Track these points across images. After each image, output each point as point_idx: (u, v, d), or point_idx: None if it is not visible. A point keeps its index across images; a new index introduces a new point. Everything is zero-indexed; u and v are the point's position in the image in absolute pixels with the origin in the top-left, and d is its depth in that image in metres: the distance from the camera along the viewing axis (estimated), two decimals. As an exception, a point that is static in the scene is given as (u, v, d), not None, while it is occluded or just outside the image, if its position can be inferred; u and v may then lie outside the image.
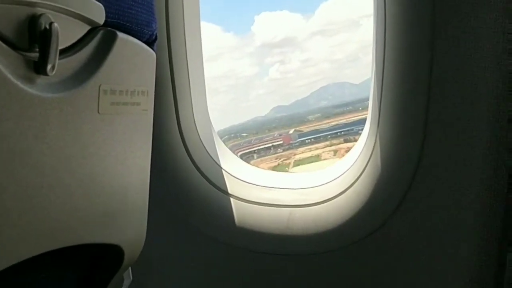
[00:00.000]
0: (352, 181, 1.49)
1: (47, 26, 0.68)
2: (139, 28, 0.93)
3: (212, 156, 1.61)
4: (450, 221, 1.39)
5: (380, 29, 1.38)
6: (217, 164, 1.61)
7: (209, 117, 1.68)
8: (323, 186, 1.57)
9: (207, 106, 1.67)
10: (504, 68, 1.26)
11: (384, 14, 1.34)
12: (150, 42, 1.00)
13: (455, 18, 1.26)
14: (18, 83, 0.64)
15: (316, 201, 1.52)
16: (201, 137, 1.59)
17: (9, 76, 0.62)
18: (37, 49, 0.67)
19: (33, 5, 0.67)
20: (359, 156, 1.52)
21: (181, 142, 1.53)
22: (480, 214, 1.36)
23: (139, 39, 0.94)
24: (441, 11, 1.25)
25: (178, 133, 1.52)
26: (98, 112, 0.82)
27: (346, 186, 1.50)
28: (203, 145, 1.60)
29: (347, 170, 1.55)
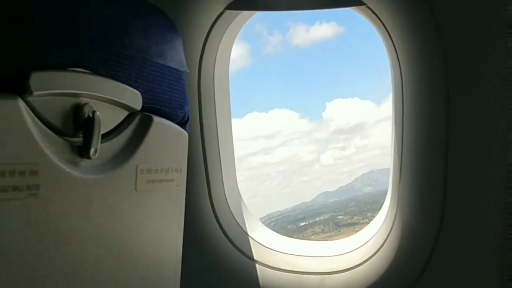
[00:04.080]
0: (375, 250, 1.51)
1: (90, 115, 0.75)
2: (172, 111, 1.00)
3: (241, 226, 1.64)
4: None
5: (398, 106, 1.44)
6: (246, 232, 1.64)
7: (238, 190, 1.74)
8: (347, 254, 1.58)
9: (236, 181, 1.72)
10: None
11: (402, 93, 1.41)
12: (183, 123, 1.07)
13: (469, 99, 1.31)
14: (64, 167, 0.70)
15: (342, 269, 1.53)
16: (231, 209, 1.63)
17: (56, 161, 0.69)
18: (81, 135, 0.74)
19: (77, 96, 0.75)
20: (381, 226, 1.55)
21: (213, 214, 1.57)
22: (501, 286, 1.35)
23: (172, 121, 1.01)
24: (454, 89, 1.31)
25: (210, 206, 1.57)
26: (136, 190, 0.87)
27: (370, 255, 1.52)
28: (233, 216, 1.64)
29: (370, 239, 1.57)
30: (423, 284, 1.42)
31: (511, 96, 1.29)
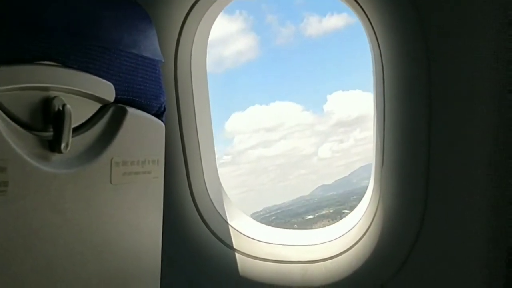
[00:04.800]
0: (358, 238, 1.52)
1: (60, 108, 0.74)
2: (148, 102, 0.99)
3: (222, 215, 1.64)
4: (455, 278, 1.41)
5: (380, 103, 1.45)
6: (226, 221, 1.64)
7: (219, 179, 1.74)
8: (330, 243, 1.59)
9: (216, 169, 1.72)
10: (501, 145, 1.31)
11: (383, 84, 1.41)
12: (159, 114, 1.06)
13: (451, 91, 1.32)
14: (34, 162, 0.69)
15: (324, 258, 1.54)
16: (211, 198, 1.63)
17: (25, 156, 0.68)
18: (52, 129, 0.73)
19: (47, 89, 0.74)
20: (364, 214, 1.56)
21: (193, 204, 1.57)
22: (484, 273, 1.38)
23: (148, 111, 1.00)
24: (437, 82, 1.32)
25: (189, 195, 1.56)
26: (111, 183, 0.86)
27: (352, 243, 1.53)
28: (214, 205, 1.63)
29: (353, 227, 1.58)
30: (406, 272, 1.43)
31: (493, 91, 1.30)
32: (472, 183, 1.35)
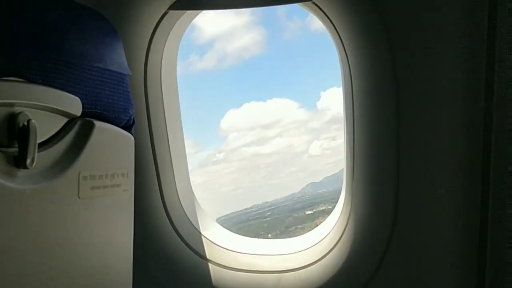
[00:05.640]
0: (331, 247, 1.53)
1: (25, 123, 0.74)
2: (116, 115, 0.99)
3: (194, 225, 1.64)
4: (427, 285, 1.43)
5: (349, 102, 1.47)
6: (199, 231, 1.64)
7: (191, 189, 1.74)
8: (303, 252, 1.60)
9: (189, 179, 1.73)
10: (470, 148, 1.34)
11: (351, 92, 1.43)
12: (128, 127, 1.06)
13: (418, 96, 1.34)
14: None
15: (298, 267, 1.55)
16: (184, 209, 1.63)
17: None
18: (16, 145, 0.73)
19: (11, 105, 0.74)
20: (336, 223, 1.57)
21: (165, 215, 1.56)
22: (456, 278, 1.40)
23: (116, 125, 1.00)
24: (404, 87, 1.34)
25: (162, 207, 1.56)
26: (79, 197, 0.86)
27: (325, 252, 1.54)
28: (187, 215, 1.63)
29: (325, 236, 1.59)
30: (378, 280, 1.44)
31: (462, 94, 1.32)
32: (441, 187, 1.37)
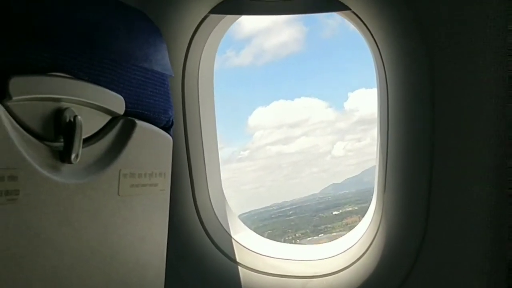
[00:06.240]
0: (360, 253, 1.52)
1: (72, 119, 0.75)
2: (156, 116, 1.00)
3: (225, 228, 1.65)
4: None
5: (383, 110, 1.45)
6: (229, 235, 1.65)
7: (223, 193, 1.74)
8: (332, 258, 1.59)
9: (221, 182, 1.73)
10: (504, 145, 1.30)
11: (387, 100, 1.42)
12: (167, 128, 1.07)
13: (454, 104, 1.32)
14: (45, 172, 0.70)
15: (326, 273, 1.54)
16: (216, 212, 1.64)
17: (36, 166, 0.68)
18: (62, 140, 0.74)
19: (58, 100, 0.75)
20: (366, 229, 1.56)
21: (197, 218, 1.57)
22: (485, 286, 1.37)
23: (156, 125, 1.00)
24: (441, 91, 1.32)
25: (194, 209, 1.57)
26: (118, 194, 0.87)
27: (355, 259, 1.52)
28: (218, 219, 1.64)
29: (355, 243, 1.58)
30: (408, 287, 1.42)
31: (497, 99, 1.29)
32: (475, 196, 1.34)
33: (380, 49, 1.41)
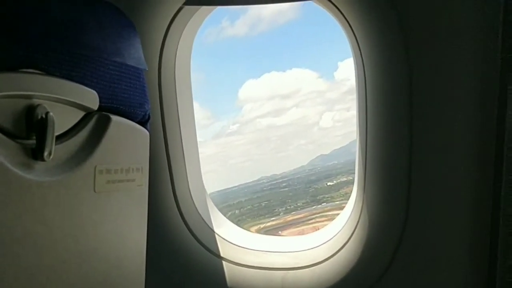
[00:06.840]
0: (342, 244, 1.53)
1: (43, 116, 0.73)
2: (132, 110, 0.99)
3: (207, 223, 1.65)
4: (439, 280, 1.43)
5: (362, 98, 1.46)
6: (211, 229, 1.65)
7: (203, 186, 1.74)
8: (313, 249, 1.60)
9: (201, 176, 1.73)
10: (484, 147, 1.32)
11: (365, 88, 1.43)
12: (144, 122, 1.06)
13: (432, 94, 1.33)
14: (17, 170, 0.69)
15: (308, 264, 1.55)
16: (196, 207, 1.63)
17: (8, 164, 0.67)
18: (35, 137, 0.73)
19: (30, 97, 0.73)
20: (347, 220, 1.57)
21: (178, 213, 1.57)
22: (467, 275, 1.40)
23: (132, 120, 0.99)
24: (418, 85, 1.33)
25: (174, 204, 1.57)
26: (94, 191, 0.86)
27: (336, 249, 1.54)
28: (199, 213, 1.64)
29: (337, 234, 1.59)
30: (389, 278, 1.44)
31: (476, 92, 1.31)
32: (455, 186, 1.37)
33: (358, 39, 1.41)
